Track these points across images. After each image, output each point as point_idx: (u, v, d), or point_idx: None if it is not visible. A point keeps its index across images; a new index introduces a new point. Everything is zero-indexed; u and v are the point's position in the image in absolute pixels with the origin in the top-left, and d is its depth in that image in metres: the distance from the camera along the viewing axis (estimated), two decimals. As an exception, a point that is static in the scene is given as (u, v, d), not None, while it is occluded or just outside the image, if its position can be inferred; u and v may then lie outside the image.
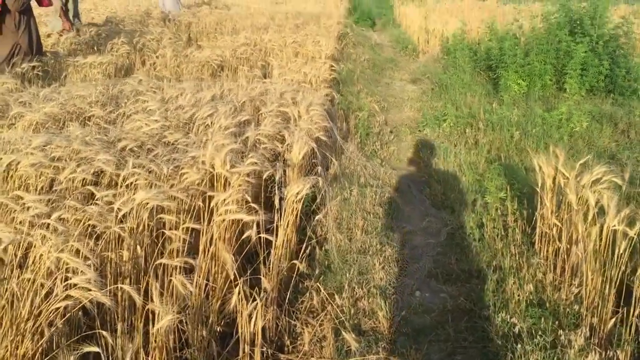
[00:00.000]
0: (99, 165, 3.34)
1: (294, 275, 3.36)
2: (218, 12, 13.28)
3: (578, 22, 8.44)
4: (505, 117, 6.77)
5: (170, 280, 2.57)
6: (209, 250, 2.99)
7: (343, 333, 2.80)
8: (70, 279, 2.34)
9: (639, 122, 6.80)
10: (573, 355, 2.73)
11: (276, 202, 3.45)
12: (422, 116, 7.48)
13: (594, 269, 3.16)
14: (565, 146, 3.81)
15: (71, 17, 9.70)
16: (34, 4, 7.45)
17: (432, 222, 4.73)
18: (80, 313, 2.55)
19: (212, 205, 3.15)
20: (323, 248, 3.93)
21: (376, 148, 6.32)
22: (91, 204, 2.98)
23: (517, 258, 3.73)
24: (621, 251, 3.06)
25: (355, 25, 16.07)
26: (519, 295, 3.33)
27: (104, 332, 2.37)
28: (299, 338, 3.09)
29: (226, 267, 2.90)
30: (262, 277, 3.09)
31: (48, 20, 9.86)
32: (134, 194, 2.89)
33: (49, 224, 2.63)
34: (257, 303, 2.58)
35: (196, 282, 2.80)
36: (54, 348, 2.35)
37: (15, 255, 2.54)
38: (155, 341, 2.29)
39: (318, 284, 3.40)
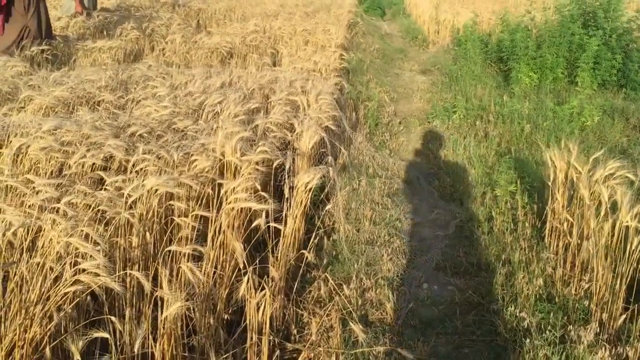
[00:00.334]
0: (108, 150, 3.33)
1: (302, 265, 3.35)
2: (228, -1, 13.22)
3: (591, 15, 8.36)
4: (515, 109, 6.71)
5: (179, 267, 2.56)
6: (217, 238, 2.98)
7: (350, 324, 2.79)
8: (80, 263, 2.34)
9: (651, 117, 6.75)
10: (582, 351, 2.71)
11: (286, 191, 3.43)
12: (432, 107, 7.43)
13: (604, 265, 3.13)
14: (576, 140, 3.76)
15: (85, 2, 9.65)
16: None
17: (441, 214, 4.71)
18: (89, 298, 2.54)
19: (221, 193, 3.14)
20: (331, 238, 3.92)
21: (385, 139, 6.29)
22: (101, 189, 2.97)
23: (526, 252, 3.70)
24: (633, 247, 3.03)
25: (365, 15, 15.99)
26: (528, 290, 3.31)
27: (113, 318, 2.37)
28: (306, 328, 3.08)
29: (235, 256, 2.88)
30: (270, 266, 3.08)
31: (61, 4, 9.84)
32: (143, 180, 2.87)
33: (58, 209, 2.62)
34: (265, 292, 2.57)
35: (205, 270, 2.79)
36: (62, 333, 2.35)
37: (25, 239, 2.54)
38: (163, 328, 2.28)
39: (326, 274, 3.39)
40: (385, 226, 4.24)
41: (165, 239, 2.87)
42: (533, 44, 8.30)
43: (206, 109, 4.45)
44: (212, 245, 2.95)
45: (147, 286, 2.40)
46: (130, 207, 2.81)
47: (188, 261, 2.63)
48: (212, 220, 3.00)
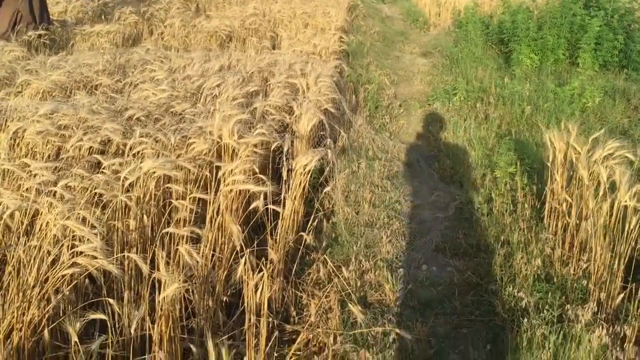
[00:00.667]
0: (105, 134, 3.32)
1: (301, 247, 3.35)
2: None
3: (593, -5, 8.28)
4: (516, 91, 6.67)
5: (177, 249, 2.56)
6: (215, 221, 2.99)
7: (349, 305, 2.80)
8: (77, 246, 2.34)
9: (652, 98, 6.71)
10: (580, 329, 2.72)
11: (284, 173, 3.43)
12: (432, 90, 7.39)
13: (603, 245, 3.13)
14: (577, 121, 3.74)
15: None
16: None
17: (441, 196, 4.70)
18: (87, 281, 2.55)
19: (219, 175, 3.13)
20: (330, 221, 3.92)
21: (385, 121, 6.26)
22: (98, 172, 2.96)
23: (525, 233, 3.70)
24: (632, 227, 3.02)
25: (365, -3, 15.84)
26: (526, 270, 3.31)
27: (111, 300, 2.38)
28: (305, 309, 3.09)
29: (232, 238, 2.88)
30: (268, 248, 3.08)
31: None
32: (140, 162, 2.87)
33: (55, 192, 2.62)
34: (263, 274, 2.57)
35: (202, 252, 2.80)
36: (61, 315, 2.36)
37: (22, 223, 2.54)
38: (161, 309, 2.29)
39: (325, 256, 3.39)
40: (384, 208, 4.23)
41: (163, 221, 2.87)
42: (534, 25, 8.22)
43: (204, 92, 4.44)
44: (210, 227, 2.95)
45: (145, 269, 2.40)
46: (128, 190, 2.81)
47: (186, 244, 2.63)
48: (210, 203, 3.00)
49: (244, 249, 2.73)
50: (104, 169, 2.98)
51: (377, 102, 6.66)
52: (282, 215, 3.32)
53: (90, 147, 3.24)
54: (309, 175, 3.49)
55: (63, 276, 2.31)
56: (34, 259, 2.32)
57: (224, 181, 3.06)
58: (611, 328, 2.73)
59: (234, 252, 2.94)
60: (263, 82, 5.10)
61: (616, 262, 3.07)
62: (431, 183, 4.99)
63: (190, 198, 2.89)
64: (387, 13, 14.08)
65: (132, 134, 3.28)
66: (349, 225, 3.91)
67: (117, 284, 2.62)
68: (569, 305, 2.93)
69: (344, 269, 3.32)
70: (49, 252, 2.35)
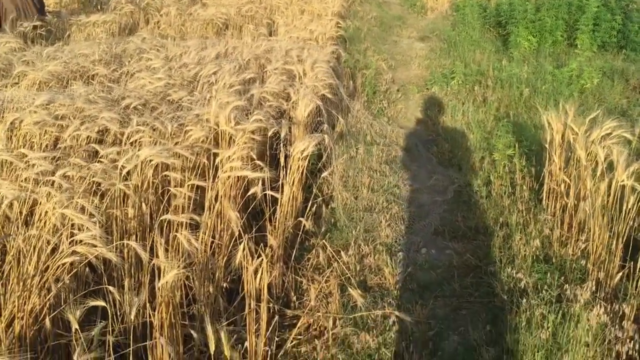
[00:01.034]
0: (102, 123, 3.32)
1: (300, 233, 3.36)
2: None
3: (591, -24, 8.22)
4: (514, 74, 6.65)
5: (175, 236, 2.57)
6: (214, 207, 2.99)
7: (349, 289, 2.82)
8: (76, 235, 2.35)
9: (651, 78, 6.68)
10: (578, 309, 2.73)
11: (281, 159, 3.43)
12: (430, 74, 7.37)
13: (601, 225, 3.14)
14: (575, 103, 3.73)
15: None
16: None
17: (439, 180, 4.71)
18: (87, 269, 2.56)
19: (217, 162, 3.14)
20: (329, 206, 3.93)
21: (383, 106, 6.25)
22: (96, 161, 2.97)
23: (524, 214, 3.70)
24: (629, 206, 3.03)
25: (362, -18, 15.74)
26: (525, 251, 3.32)
27: (111, 288, 2.39)
28: (305, 294, 3.11)
29: (231, 225, 2.89)
30: (268, 234, 3.09)
31: None
32: (138, 150, 2.87)
33: (53, 181, 2.62)
34: (262, 259, 2.58)
35: (202, 239, 2.81)
36: (62, 303, 2.37)
37: (21, 213, 2.55)
38: (161, 296, 2.30)
39: (324, 241, 3.40)
40: (383, 193, 4.24)
41: (161, 209, 2.88)
42: (532, 7, 8.18)
43: (201, 80, 4.43)
44: (209, 214, 2.96)
45: (144, 256, 2.41)
46: (125, 179, 2.81)
47: (185, 230, 2.64)
48: (208, 190, 3.01)
49: (243, 235, 2.74)
50: (101, 157, 2.98)
51: (374, 87, 6.65)
52: (281, 201, 3.33)
53: (88, 136, 3.24)
54: (307, 160, 3.50)
55: (63, 265, 2.32)
56: (34, 248, 2.33)
57: (222, 168, 3.07)
58: (610, 307, 2.74)
59: (233, 239, 2.95)
60: (260, 69, 5.09)
61: (614, 241, 3.08)
62: (430, 167, 4.99)
63: (188, 185, 2.89)
64: (384, -2, 13.99)
65: (130, 123, 3.28)
66: (348, 210, 3.92)
67: (117, 272, 2.63)
68: (567, 285, 2.94)
69: (343, 253, 3.34)
70: (48, 241, 2.36)
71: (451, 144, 5.26)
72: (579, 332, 2.61)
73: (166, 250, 2.43)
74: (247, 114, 3.65)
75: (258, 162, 3.19)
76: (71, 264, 2.34)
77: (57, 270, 2.32)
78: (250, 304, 2.57)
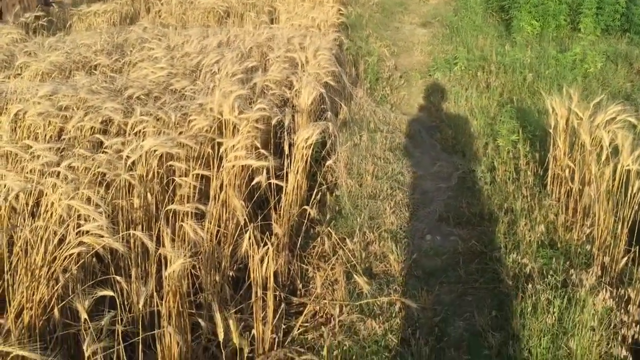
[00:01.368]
0: (106, 113, 3.32)
1: (305, 221, 3.37)
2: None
3: (594, -42, 8.15)
4: (517, 59, 6.63)
5: (181, 225, 2.58)
6: (219, 197, 3.00)
7: (355, 276, 2.83)
8: (82, 226, 2.36)
9: (655, 61, 6.65)
10: (584, 293, 2.74)
11: (285, 147, 3.43)
12: (433, 60, 7.34)
13: (606, 209, 3.14)
14: (579, 87, 3.71)
15: None
16: None
17: (443, 166, 4.70)
18: (94, 260, 2.57)
19: (221, 151, 3.14)
20: (334, 194, 3.93)
21: (386, 93, 6.23)
22: (100, 152, 2.97)
23: (528, 200, 3.70)
24: (635, 190, 3.03)
25: (363, -32, 15.63)
26: (530, 237, 3.33)
27: (118, 278, 2.41)
28: (311, 282, 3.12)
29: (236, 213, 2.90)
30: (273, 222, 3.10)
31: None
32: (142, 141, 2.87)
33: (59, 172, 2.63)
34: (268, 247, 2.59)
35: (207, 228, 2.82)
36: (70, 294, 2.39)
37: (27, 204, 2.56)
38: (168, 285, 2.31)
39: (329, 229, 3.41)
40: (387, 180, 4.24)
41: (167, 199, 2.88)
42: (535, -9, 8.13)
43: (203, 69, 4.42)
44: (214, 203, 2.96)
45: (151, 246, 2.42)
46: (130, 169, 2.82)
47: (191, 220, 2.64)
48: (212, 179, 3.01)
49: (248, 224, 2.75)
50: (106, 148, 2.98)
51: (377, 74, 6.63)
52: (286, 189, 3.33)
53: (92, 127, 3.24)
54: (311, 148, 3.49)
55: (70, 255, 2.33)
56: (41, 239, 2.34)
57: (226, 156, 3.07)
58: (615, 291, 2.74)
59: (239, 228, 2.96)
60: (262, 58, 5.07)
61: (619, 226, 3.08)
62: (433, 153, 4.99)
63: (193, 175, 2.90)
64: (385, -16, 13.89)
65: (133, 113, 3.28)
66: (353, 197, 3.92)
67: (124, 262, 2.64)
68: (573, 270, 2.95)
69: (348, 241, 3.34)
70: (55, 232, 2.37)
71: (455, 130, 5.25)
72: (585, 317, 2.62)
73: (172, 240, 2.43)
74: (251, 102, 3.64)
75: (262, 150, 3.19)
76: (78, 254, 2.35)
77: (64, 260, 2.33)
78: (256, 292, 2.59)
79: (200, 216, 2.84)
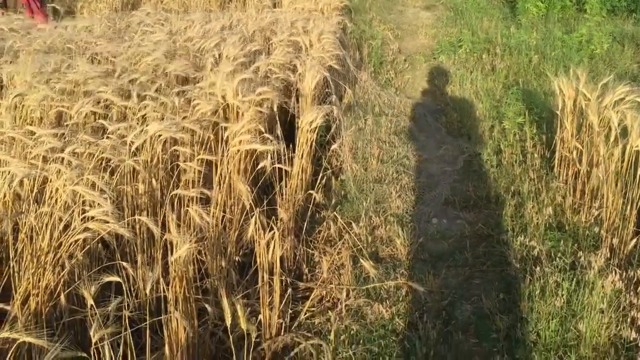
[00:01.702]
0: (107, 97, 3.29)
1: (311, 206, 3.35)
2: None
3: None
4: (523, 41, 6.56)
5: (187, 210, 2.57)
6: (224, 182, 2.98)
7: (361, 260, 2.81)
8: (87, 211, 2.34)
9: (662, 42, 6.58)
10: (592, 276, 2.72)
11: (280, 133, 3.40)
12: (437, 43, 7.27)
13: (614, 191, 3.11)
14: (586, 69, 3.66)
15: None
16: None
17: (449, 149, 4.67)
18: (100, 245, 2.56)
19: (225, 136, 3.11)
20: (339, 178, 3.91)
21: (390, 77, 6.18)
22: (105, 137, 2.95)
23: (535, 182, 3.67)
24: (644, 172, 3.00)
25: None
26: (537, 219, 3.30)
27: (124, 264, 2.39)
28: (317, 267, 3.11)
29: (242, 198, 2.88)
30: (278, 207, 3.08)
31: None
32: (146, 126, 2.85)
33: (63, 158, 2.61)
34: (274, 232, 2.57)
35: (213, 213, 2.80)
36: (76, 280, 2.38)
37: (32, 191, 2.54)
38: (174, 271, 2.30)
39: (335, 213, 3.39)
40: (392, 164, 4.21)
41: (172, 184, 2.86)
42: (540, -29, 8.03)
43: (206, 53, 4.38)
44: (219, 188, 2.95)
45: (156, 231, 2.41)
46: (135, 154, 2.80)
47: (196, 205, 2.63)
48: (218, 164, 2.99)
49: (254, 208, 2.73)
50: (110, 134, 2.96)
51: (381, 57, 6.57)
52: (291, 174, 3.31)
53: (96, 113, 3.22)
54: (316, 132, 3.47)
55: (76, 241, 2.31)
56: (46, 225, 2.33)
57: (232, 139, 3.04)
58: (624, 273, 2.72)
59: (244, 213, 2.94)
60: (265, 42, 5.03)
61: (628, 207, 3.05)
62: (439, 137, 4.95)
63: (197, 160, 2.87)
64: (388, -34, 13.76)
65: (136, 98, 3.25)
66: (358, 181, 3.90)
67: (130, 247, 2.63)
68: (581, 253, 2.93)
69: (354, 225, 3.32)
70: (60, 218, 2.35)
71: (460, 114, 5.21)
72: (594, 299, 2.60)
73: (178, 225, 2.42)
74: (255, 86, 3.61)
75: (267, 135, 3.17)
76: (84, 240, 2.34)
77: (70, 247, 2.32)
78: (263, 277, 2.57)
79: (205, 201, 2.82)
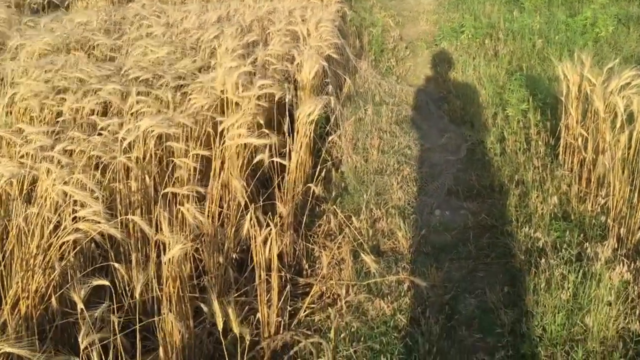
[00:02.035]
0: (103, 95, 3.23)
1: (310, 199, 3.28)
2: None
3: None
4: (526, 25, 6.45)
5: (180, 209, 2.50)
6: (220, 177, 2.91)
7: (362, 255, 2.74)
8: (78, 211, 2.28)
9: (668, 23, 6.45)
10: (600, 267, 2.64)
11: (285, 126, 3.33)
12: (439, 29, 7.16)
13: (621, 178, 3.03)
14: (590, 52, 3.57)
15: None
16: None
17: (452, 138, 4.59)
18: (92, 246, 2.50)
19: (221, 129, 3.04)
20: (339, 170, 3.84)
21: (391, 65, 6.09)
22: (96, 134, 2.88)
23: (540, 171, 3.59)
24: (652, 158, 2.92)
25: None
26: (542, 209, 3.22)
27: (116, 265, 2.34)
28: (317, 262, 3.05)
29: (237, 195, 2.81)
30: (277, 201, 3.02)
31: None
32: (139, 121, 2.78)
33: (53, 157, 2.55)
34: (270, 229, 2.51)
35: (209, 209, 2.74)
36: (69, 281, 2.32)
37: (21, 191, 2.48)
38: (168, 271, 2.24)
39: (335, 206, 3.32)
40: (394, 154, 4.14)
41: (165, 181, 2.80)
42: (543, -47, 7.89)
43: (203, 45, 4.31)
44: (215, 184, 2.88)
45: (149, 231, 2.35)
46: (127, 151, 2.73)
47: (190, 203, 2.57)
48: (213, 158, 2.93)
49: (251, 204, 2.67)
50: (102, 130, 2.90)
51: (382, 45, 6.48)
52: (289, 167, 3.24)
53: (91, 109, 3.15)
54: (314, 124, 3.39)
55: (66, 242, 2.26)
56: (35, 226, 2.27)
57: (228, 132, 2.97)
58: (632, 264, 2.64)
59: (241, 208, 2.88)
60: (262, 32, 4.95)
61: (636, 195, 2.97)
62: (441, 125, 4.87)
63: (192, 155, 2.81)
64: (389, -48, 13.60)
65: (131, 94, 3.18)
66: (358, 173, 3.83)
67: (125, 247, 2.57)
68: (587, 243, 2.85)
69: (354, 218, 3.26)
70: (49, 219, 2.29)
71: (462, 101, 5.12)
72: (601, 291, 2.53)
73: (171, 223, 2.35)
74: (252, 78, 3.53)
75: (265, 130, 3.10)
76: (75, 241, 2.28)
77: (60, 248, 2.26)
78: (260, 275, 2.51)
79: (201, 197, 2.76)
